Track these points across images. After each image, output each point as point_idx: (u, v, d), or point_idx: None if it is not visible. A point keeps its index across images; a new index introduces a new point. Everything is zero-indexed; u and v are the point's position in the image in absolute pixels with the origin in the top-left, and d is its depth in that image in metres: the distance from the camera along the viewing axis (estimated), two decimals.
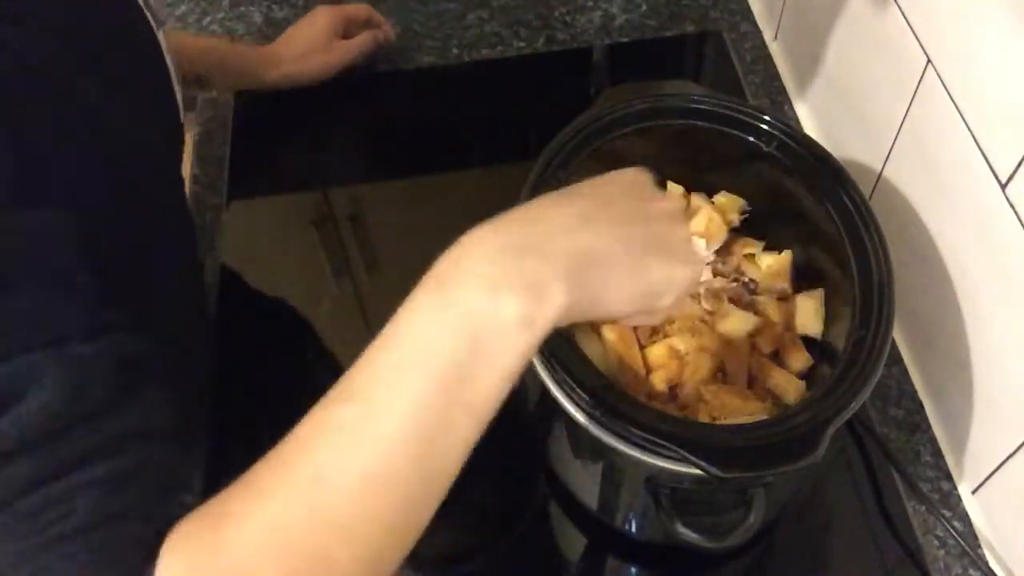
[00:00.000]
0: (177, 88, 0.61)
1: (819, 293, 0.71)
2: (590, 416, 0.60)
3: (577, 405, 0.60)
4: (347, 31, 1.04)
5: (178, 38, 0.97)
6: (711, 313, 0.71)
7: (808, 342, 0.72)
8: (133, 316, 0.44)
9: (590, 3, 1.13)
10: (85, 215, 0.44)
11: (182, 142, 0.66)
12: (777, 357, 0.71)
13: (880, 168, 0.83)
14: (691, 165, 0.77)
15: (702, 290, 0.72)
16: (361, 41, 1.03)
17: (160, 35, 0.58)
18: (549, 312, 0.42)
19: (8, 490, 0.40)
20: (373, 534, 0.41)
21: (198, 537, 0.42)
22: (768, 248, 0.76)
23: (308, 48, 1.00)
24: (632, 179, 0.50)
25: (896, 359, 0.84)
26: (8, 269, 0.41)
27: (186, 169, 1.00)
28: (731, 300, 0.72)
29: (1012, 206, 0.64)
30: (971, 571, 0.73)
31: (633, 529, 0.73)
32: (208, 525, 0.42)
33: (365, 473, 0.41)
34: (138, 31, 0.56)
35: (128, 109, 0.51)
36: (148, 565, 0.41)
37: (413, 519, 0.42)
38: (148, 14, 0.58)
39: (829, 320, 0.71)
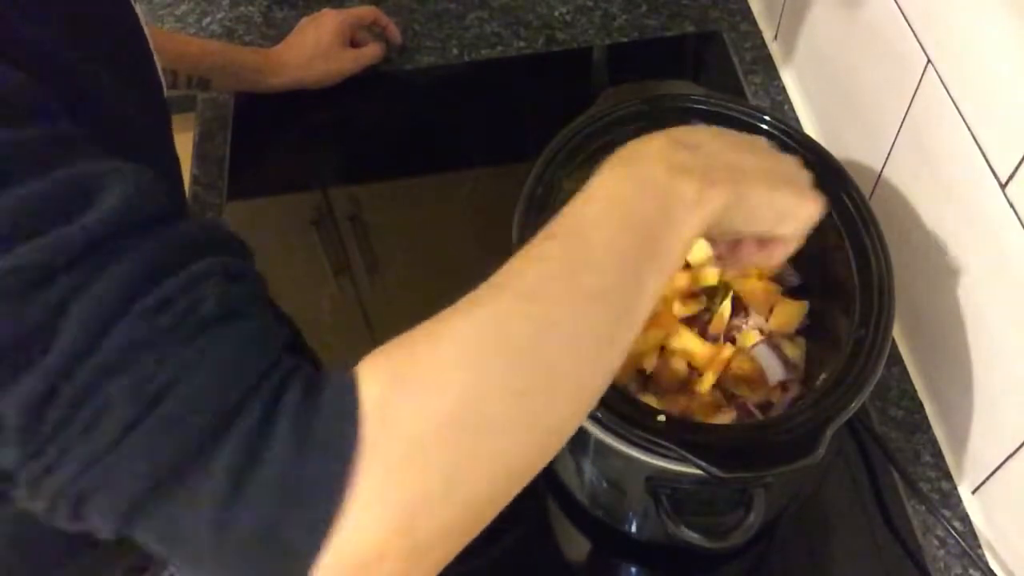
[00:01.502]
0: (158, 63, 0.61)
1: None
2: (590, 416, 0.60)
3: None
4: (354, 34, 1.04)
5: (180, 41, 0.98)
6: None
7: (808, 341, 0.72)
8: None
9: (590, 3, 1.13)
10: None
11: (168, 118, 0.66)
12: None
13: (880, 168, 0.83)
14: None
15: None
16: (370, 54, 1.04)
17: (138, 8, 0.58)
18: (716, 199, 0.47)
19: (124, 290, 0.36)
20: (590, 351, 0.43)
21: (407, 344, 0.40)
22: None
23: (313, 54, 1.00)
24: (761, 138, 0.57)
25: (896, 359, 0.84)
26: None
27: (186, 169, 1.00)
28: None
29: (1012, 206, 0.64)
30: (971, 571, 0.73)
31: (633, 529, 0.73)
32: (417, 336, 0.40)
33: (585, 292, 0.43)
34: (116, 5, 0.56)
35: (111, 81, 0.51)
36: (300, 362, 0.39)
37: (615, 351, 0.44)
38: None
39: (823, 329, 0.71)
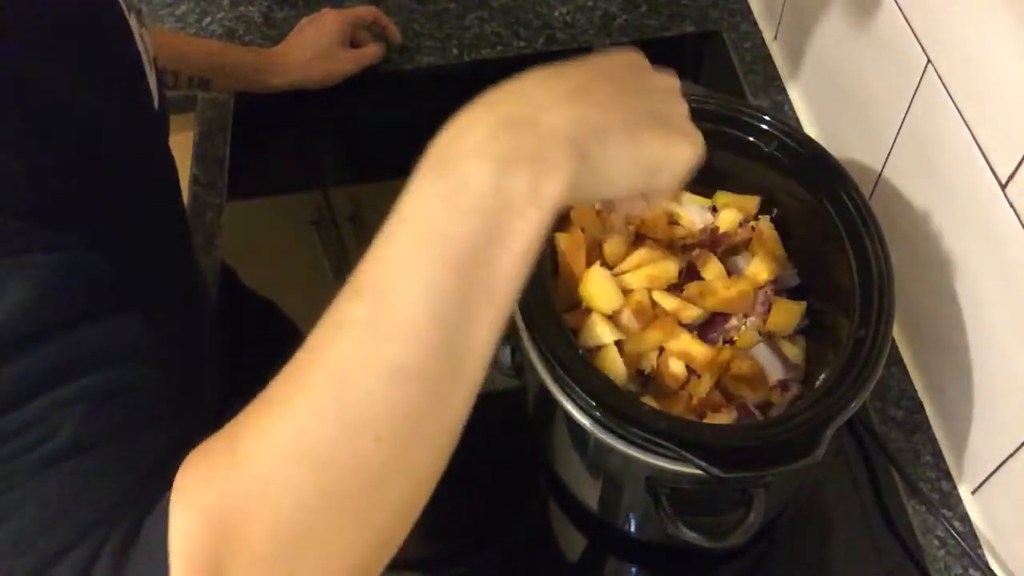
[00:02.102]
0: (151, 73, 0.61)
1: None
2: (590, 416, 0.60)
3: (577, 405, 0.60)
4: (354, 34, 1.04)
5: (181, 41, 0.98)
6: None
7: (808, 341, 0.72)
8: (96, 236, 0.42)
9: (590, 3, 1.13)
10: (38, 157, 0.41)
11: (164, 124, 0.66)
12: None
13: (880, 168, 0.83)
14: None
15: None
16: (370, 54, 1.04)
17: (132, 19, 0.58)
18: (555, 185, 0.40)
19: None
20: (403, 430, 0.38)
21: (214, 452, 0.38)
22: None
23: (314, 54, 1.00)
24: (627, 57, 0.48)
25: (896, 359, 0.84)
26: None
27: (186, 169, 1.00)
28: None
29: (1012, 206, 0.64)
30: (971, 571, 0.73)
31: (633, 529, 0.73)
32: (225, 441, 0.38)
33: (388, 366, 0.38)
34: (108, 15, 0.56)
35: (95, 95, 0.50)
36: (149, 490, 0.37)
37: (444, 416, 0.40)
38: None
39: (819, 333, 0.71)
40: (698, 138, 0.45)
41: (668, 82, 0.47)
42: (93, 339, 0.39)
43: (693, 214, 0.76)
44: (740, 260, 0.75)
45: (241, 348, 0.86)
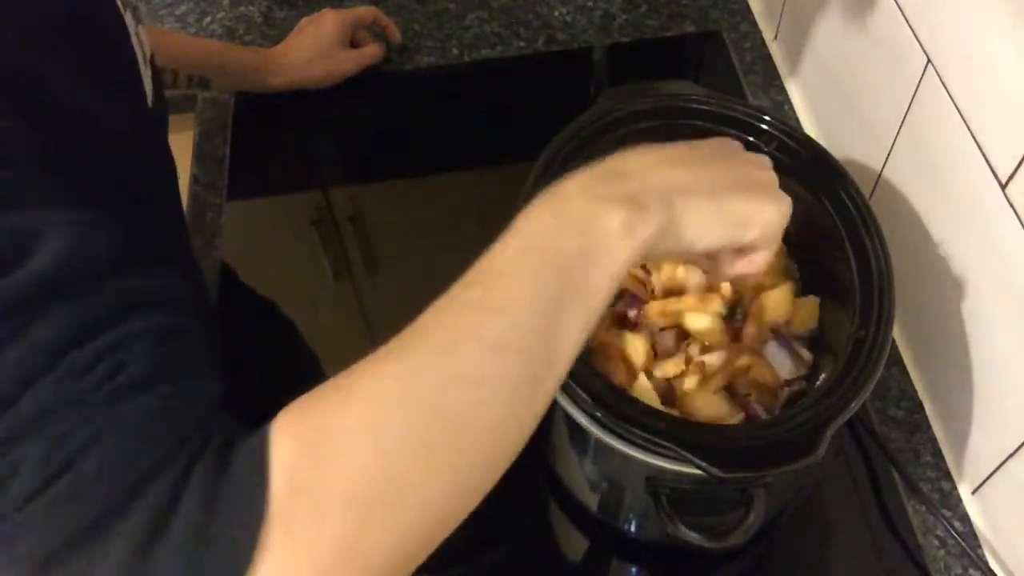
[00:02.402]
0: (146, 71, 0.61)
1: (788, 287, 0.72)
2: (590, 416, 0.60)
3: (577, 405, 0.60)
4: (354, 34, 1.04)
5: (181, 40, 0.98)
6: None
7: (808, 343, 0.72)
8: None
9: (590, 3, 1.13)
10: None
11: (162, 122, 0.66)
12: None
13: (880, 168, 0.83)
14: None
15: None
16: (370, 54, 1.04)
17: (128, 17, 0.58)
18: (644, 226, 0.46)
19: (50, 347, 0.36)
20: (505, 398, 0.42)
21: (324, 392, 0.41)
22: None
23: (314, 55, 1.00)
24: (722, 140, 0.55)
25: (896, 359, 0.84)
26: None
27: (186, 169, 1.00)
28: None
29: (1012, 206, 0.64)
30: (971, 571, 0.73)
31: (633, 529, 0.73)
32: (333, 389, 0.41)
33: (496, 340, 0.42)
34: (106, 13, 0.56)
35: (94, 94, 0.50)
36: (227, 426, 0.39)
37: (534, 396, 0.44)
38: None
39: (821, 318, 0.71)
40: (785, 200, 0.51)
41: (759, 157, 0.54)
42: (143, 284, 0.41)
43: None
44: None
45: (241, 348, 0.86)
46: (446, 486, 0.41)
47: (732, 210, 0.50)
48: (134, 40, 0.59)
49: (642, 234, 0.46)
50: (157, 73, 0.64)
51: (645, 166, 0.49)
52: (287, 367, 0.86)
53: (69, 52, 0.49)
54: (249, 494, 0.37)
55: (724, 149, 0.54)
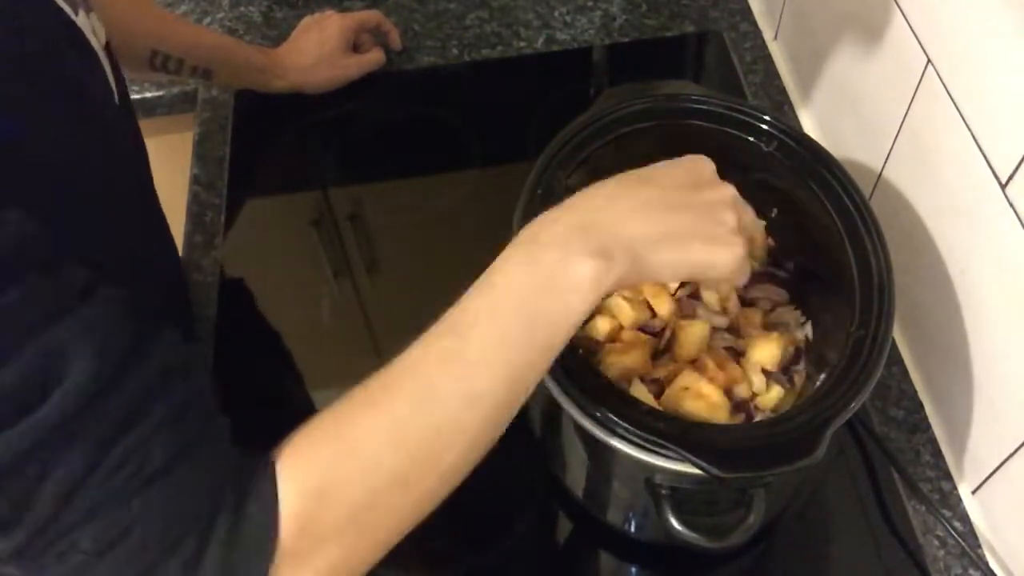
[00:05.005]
0: (108, 68, 0.60)
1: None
2: (590, 416, 0.60)
3: (577, 405, 0.60)
4: (357, 38, 1.04)
5: (195, 29, 0.98)
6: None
7: (807, 341, 0.72)
8: (103, 270, 0.46)
9: (590, 3, 1.13)
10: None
11: (126, 120, 0.66)
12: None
13: (880, 168, 0.83)
14: None
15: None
16: (373, 59, 1.04)
17: (80, 18, 0.56)
18: (612, 276, 0.51)
19: (89, 456, 0.43)
20: (473, 443, 0.50)
21: (317, 438, 0.48)
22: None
23: (317, 59, 1.00)
24: (693, 165, 0.57)
25: (896, 359, 0.84)
26: None
27: (186, 169, 1.00)
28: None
29: (1012, 206, 0.64)
30: (971, 571, 0.73)
31: (633, 529, 0.73)
32: (322, 432, 0.49)
33: (471, 394, 0.49)
34: (51, 18, 0.54)
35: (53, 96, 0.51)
36: (240, 475, 0.47)
37: (497, 433, 0.51)
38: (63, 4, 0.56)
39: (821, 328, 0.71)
40: (738, 248, 0.55)
41: (724, 193, 0.56)
42: (153, 365, 0.46)
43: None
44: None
45: (241, 348, 0.86)
46: (415, 510, 0.50)
47: (691, 260, 0.54)
48: (92, 40, 0.57)
49: (607, 284, 0.51)
50: (118, 69, 0.64)
51: (617, 215, 0.53)
52: (286, 367, 0.86)
53: (13, 57, 0.47)
54: (263, 538, 0.46)
55: (693, 176, 0.56)
